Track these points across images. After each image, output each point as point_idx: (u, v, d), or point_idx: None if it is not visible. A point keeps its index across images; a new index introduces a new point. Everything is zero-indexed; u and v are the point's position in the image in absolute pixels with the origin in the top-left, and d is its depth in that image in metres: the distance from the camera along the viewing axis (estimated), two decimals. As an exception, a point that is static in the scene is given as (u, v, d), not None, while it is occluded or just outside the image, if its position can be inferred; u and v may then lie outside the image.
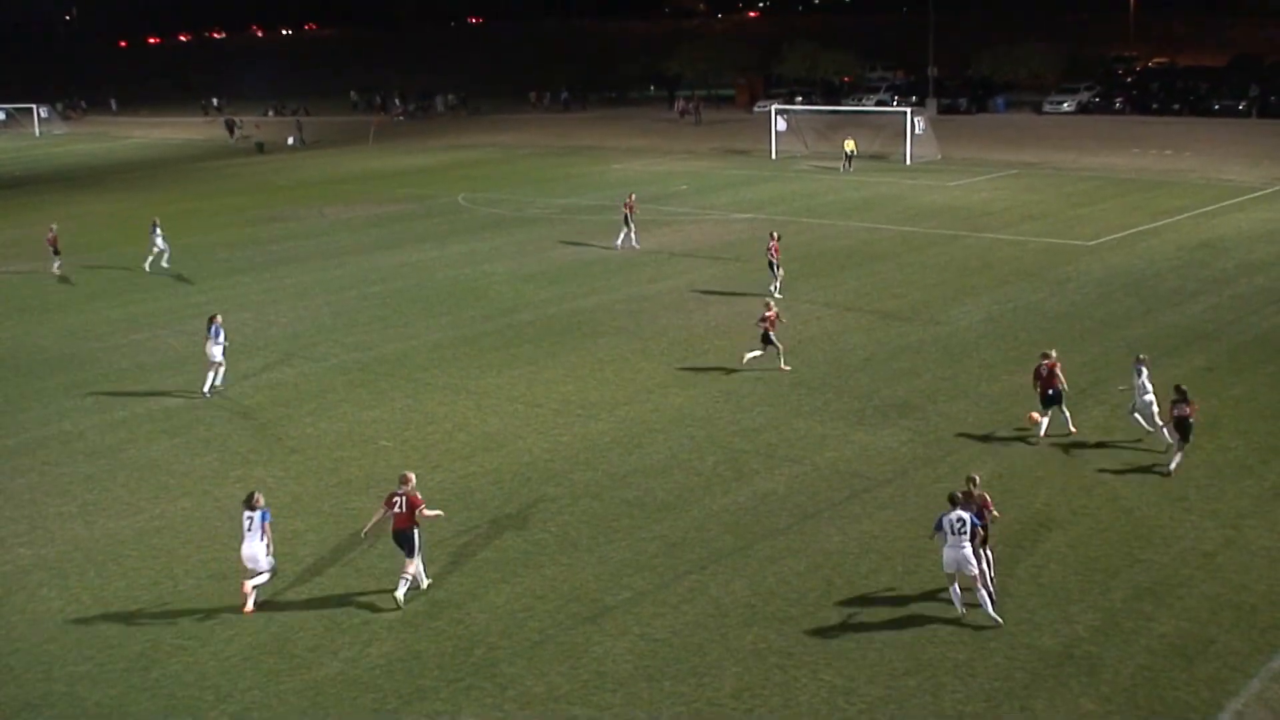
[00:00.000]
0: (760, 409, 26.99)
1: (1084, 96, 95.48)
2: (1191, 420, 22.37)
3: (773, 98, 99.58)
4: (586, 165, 74.34)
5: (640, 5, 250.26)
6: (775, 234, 37.80)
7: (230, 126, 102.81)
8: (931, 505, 21.18)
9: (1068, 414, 24.67)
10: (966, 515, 17.30)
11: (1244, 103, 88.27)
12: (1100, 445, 24.09)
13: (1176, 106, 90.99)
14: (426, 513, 18.78)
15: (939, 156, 69.23)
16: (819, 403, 27.26)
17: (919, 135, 69.25)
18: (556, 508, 22.08)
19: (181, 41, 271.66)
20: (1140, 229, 45.96)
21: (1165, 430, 23.09)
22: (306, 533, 21.45)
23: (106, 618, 18.63)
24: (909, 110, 73.08)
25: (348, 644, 17.62)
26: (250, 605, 18.58)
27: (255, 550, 18.42)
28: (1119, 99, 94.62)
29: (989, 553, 18.02)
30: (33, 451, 26.27)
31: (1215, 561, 19.06)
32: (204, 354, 29.76)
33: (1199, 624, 17.26)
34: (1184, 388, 22.60)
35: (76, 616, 18.78)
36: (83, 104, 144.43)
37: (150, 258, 45.90)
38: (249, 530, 18.42)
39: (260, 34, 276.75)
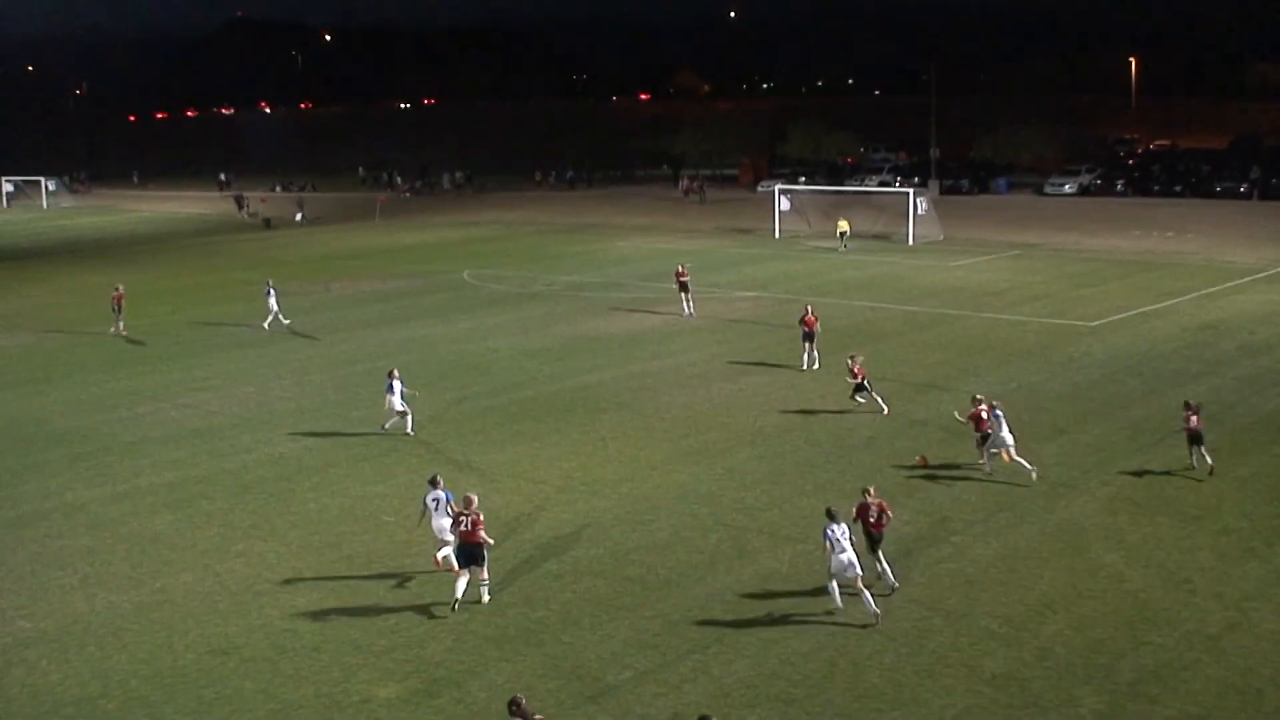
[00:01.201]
0: (763, 487, 26.95)
1: (1085, 178, 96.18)
2: (1200, 429, 26.45)
3: (776, 177, 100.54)
4: (591, 243, 74.79)
5: (646, 86, 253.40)
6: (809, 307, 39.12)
7: (240, 202, 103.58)
8: (938, 588, 21.20)
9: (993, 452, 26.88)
10: (846, 526, 20.13)
11: (1245, 185, 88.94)
12: (1104, 527, 24.01)
13: (1178, 188, 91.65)
14: (482, 534, 21.13)
15: (941, 237, 69.64)
16: (822, 481, 27.22)
17: (921, 215, 69.70)
18: (559, 585, 21.99)
19: (189, 117, 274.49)
20: (1142, 310, 46.14)
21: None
22: (306, 609, 21.32)
23: (106, 693, 18.51)
24: (911, 191, 73.67)
25: (347, 722, 17.50)
26: (441, 560, 21.82)
27: (443, 523, 21.75)
28: (1120, 181, 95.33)
29: (881, 552, 21.11)
30: (34, 523, 26.21)
31: (1220, 645, 18.94)
32: (385, 406, 31.74)
33: (1205, 708, 17.12)
34: (1191, 402, 26.98)
35: (76, 691, 18.66)
36: (84, 177, 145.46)
37: (269, 318, 47.69)
38: (435, 509, 21.89)
39: (268, 110, 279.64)
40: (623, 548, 23.67)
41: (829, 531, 19.92)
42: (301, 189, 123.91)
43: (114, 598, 22.12)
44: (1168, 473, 26.99)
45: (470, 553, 21.09)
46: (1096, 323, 44.01)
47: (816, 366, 37.77)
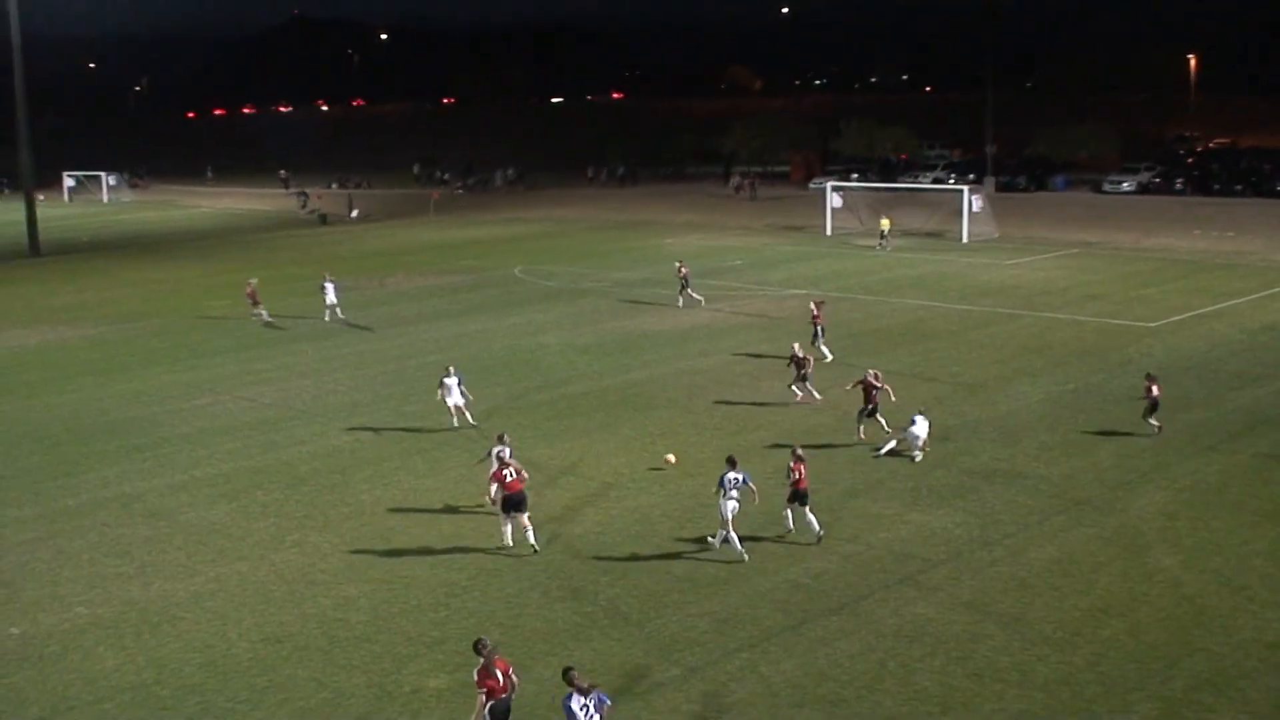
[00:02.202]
0: (814, 485, 26.75)
1: (1144, 176, 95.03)
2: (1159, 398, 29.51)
3: (828, 174, 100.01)
4: (641, 240, 74.81)
5: (697, 83, 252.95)
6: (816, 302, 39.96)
7: (303, 199, 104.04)
8: (990, 591, 21.09)
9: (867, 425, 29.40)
10: (741, 475, 22.76)
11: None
12: (1162, 531, 23.78)
13: (1238, 187, 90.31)
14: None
15: (996, 235, 69.10)
16: (874, 481, 27.12)
17: (976, 213, 69.11)
18: (607, 580, 22.05)
19: (246, 114, 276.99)
20: (1202, 311, 45.59)
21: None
22: (359, 599, 21.54)
23: (160, 679, 18.77)
24: (966, 188, 73.09)
25: (398, 713, 17.65)
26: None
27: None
28: (1180, 180, 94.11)
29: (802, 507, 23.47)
30: (93, 512, 26.61)
31: (1278, 653, 18.70)
32: (439, 398, 32.07)
33: (1260, 718, 16.92)
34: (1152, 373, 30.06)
35: (131, 677, 18.95)
36: (144, 173, 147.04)
37: (328, 312, 48.52)
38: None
39: (324, 107, 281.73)
40: (671, 545, 23.68)
41: (725, 479, 22.71)
42: (357, 185, 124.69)
43: (170, 586, 22.42)
44: (1227, 476, 26.71)
45: (517, 501, 22.89)
46: (1155, 323, 43.53)
47: (829, 359, 38.03)
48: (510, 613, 20.78)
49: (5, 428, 34.23)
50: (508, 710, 16.00)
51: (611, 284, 56.34)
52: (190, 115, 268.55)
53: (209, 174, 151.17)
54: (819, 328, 39.04)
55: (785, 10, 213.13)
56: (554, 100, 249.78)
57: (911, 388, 34.31)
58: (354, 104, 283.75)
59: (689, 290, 49.47)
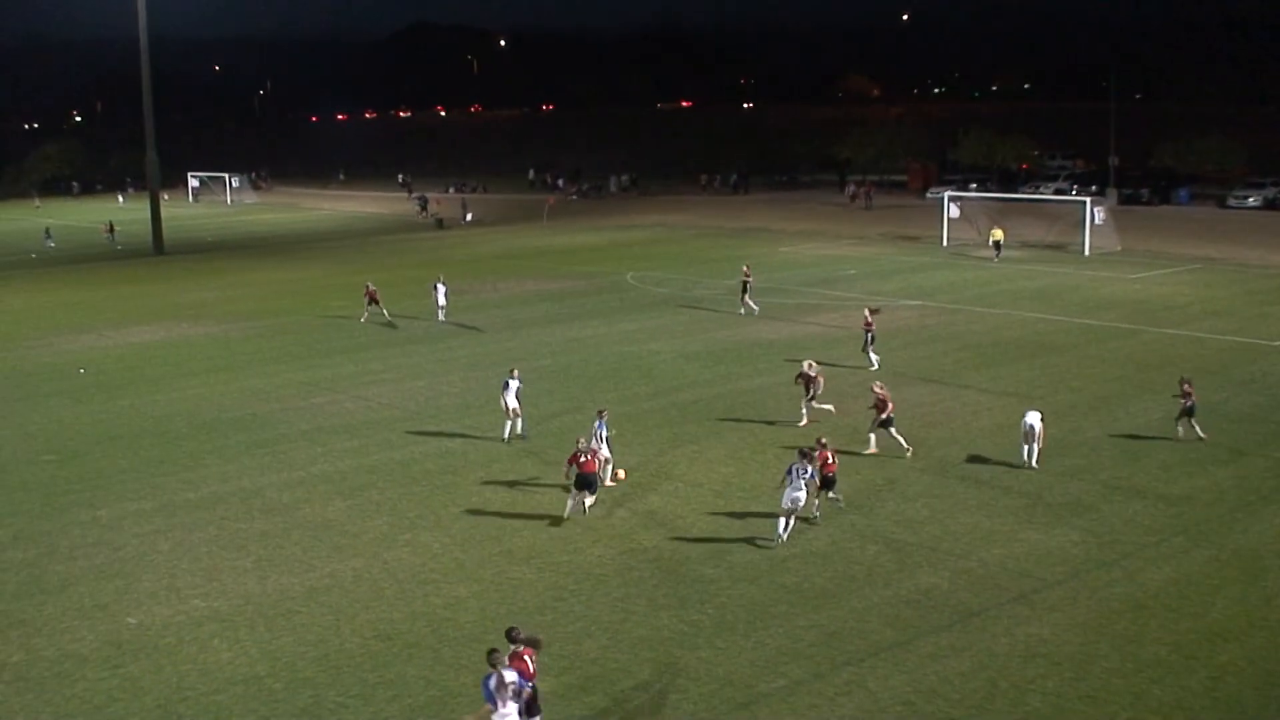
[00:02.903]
0: (924, 500, 26.59)
1: (1271, 192, 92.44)
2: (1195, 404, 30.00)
3: (946, 184, 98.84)
4: (754, 247, 74.62)
5: (814, 90, 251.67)
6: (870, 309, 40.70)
7: (423, 203, 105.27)
8: (1106, 612, 20.68)
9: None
10: (810, 467, 23.88)
11: None
12: (1283, 554, 23.13)
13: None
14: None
15: (1118, 248, 67.74)
16: (987, 497, 26.73)
17: (1098, 225, 67.88)
18: (714, 589, 22.02)
19: (367, 118, 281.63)
20: (1330, 330, 44.21)
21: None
22: (468, 599, 21.78)
23: (274, 673, 19.15)
24: (1088, 200, 71.80)
25: (504, 714, 17.77)
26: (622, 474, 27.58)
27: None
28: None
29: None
30: (213, 506, 27.25)
31: (1406, 684, 18.09)
32: (501, 404, 32.07)
33: (1388, 749, 16.38)
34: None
35: (245, 670, 19.35)
36: (266, 175, 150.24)
37: (440, 312, 50.00)
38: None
39: (443, 113, 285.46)
40: (778, 555, 23.58)
41: (792, 469, 23.91)
42: (473, 190, 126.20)
43: (285, 580, 22.88)
44: (1353, 501, 25.89)
45: (588, 481, 25.51)
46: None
47: (875, 368, 38.60)
48: (615, 618, 20.85)
49: (128, 422, 35.20)
50: (533, 699, 16.20)
51: (724, 291, 56.27)
52: (313, 119, 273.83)
53: (340, 176, 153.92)
54: (870, 334, 39.70)
55: (905, 17, 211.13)
56: (669, 106, 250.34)
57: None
58: (471, 109, 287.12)
59: (747, 297, 49.88)
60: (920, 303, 52.10)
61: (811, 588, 21.98)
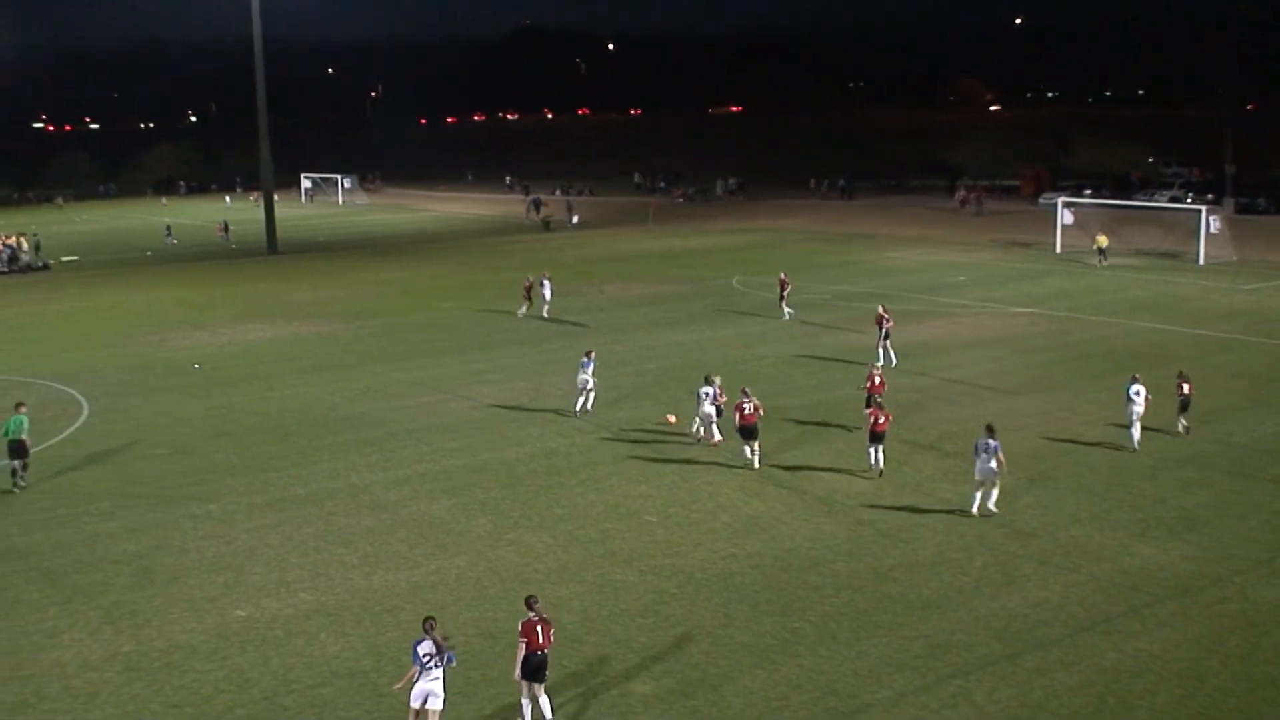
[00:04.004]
0: (1034, 512, 26.13)
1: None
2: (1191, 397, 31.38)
3: (1059, 190, 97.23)
4: (861, 253, 74.05)
5: (924, 94, 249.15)
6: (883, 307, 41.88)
7: (537, 205, 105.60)
8: (1218, 629, 20.18)
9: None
10: (994, 442, 25.50)
11: None
12: None
13: None
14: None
15: (1235, 258, 65.99)
16: (1099, 510, 26.18)
17: (1214, 234, 66.23)
18: (817, 597, 21.84)
19: (476, 121, 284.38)
20: None
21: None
22: (570, 600, 21.83)
23: (378, 667, 19.36)
24: (1204, 208, 70.10)
25: (604, 715, 17.80)
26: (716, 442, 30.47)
27: (708, 410, 29.22)
28: None
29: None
30: (321, 502, 27.68)
31: None
32: (576, 382, 34.87)
33: None
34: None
35: (350, 664, 19.61)
36: (376, 177, 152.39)
37: (546, 307, 51.61)
38: (705, 400, 29.24)
39: (550, 116, 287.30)
40: (884, 564, 23.34)
41: (979, 444, 25.77)
42: (579, 193, 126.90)
43: (391, 577, 23.15)
44: None
45: (751, 431, 29.03)
46: None
47: (893, 364, 39.26)
48: (717, 623, 20.78)
49: (240, 418, 35.90)
50: (541, 665, 17.25)
51: (831, 297, 55.90)
52: (422, 121, 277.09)
53: (469, 177, 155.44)
54: (884, 330, 40.67)
55: (1018, 20, 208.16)
56: (777, 109, 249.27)
57: (1147, 415, 33.04)
58: (579, 112, 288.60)
59: (783, 303, 50.35)
60: (1032, 310, 51.25)
61: (918, 598, 21.70)
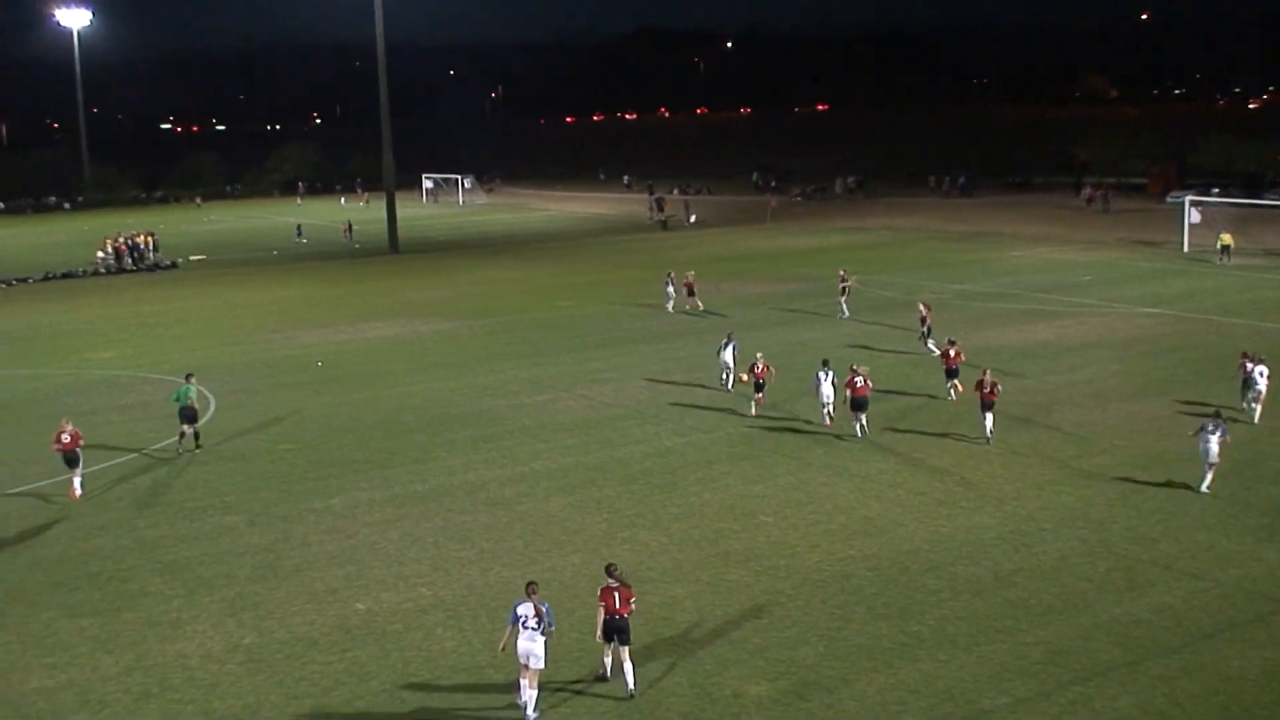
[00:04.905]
0: (1159, 516, 25.54)
1: None
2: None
3: (1187, 188, 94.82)
4: (983, 251, 72.97)
5: (1049, 91, 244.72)
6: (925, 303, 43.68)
7: (660, 204, 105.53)
8: (1352, 637, 19.48)
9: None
10: (1220, 424, 26.40)
11: None
12: None
13: None
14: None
15: (1374, 257, 63.78)
16: (1226, 515, 25.49)
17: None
18: (935, 600, 21.59)
19: (595, 121, 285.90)
20: None
21: None
22: (684, 599, 21.87)
23: (495, 664, 19.53)
24: (1339, 207, 67.87)
25: (718, 716, 17.80)
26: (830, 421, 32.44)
27: (827, 390, 32.37)
28: None
29: None
30: (439, 498, 28.07)
31: None
32: (719, 360, 37.89)
33: None
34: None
35: (467, 659, 19.85)
36: (496, 177, 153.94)
37: (670, 302, 53.47)
38: (824, 381, 32.33)
39: (667, 114, 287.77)
40: (1004, 568, 22.98)
41: (1207, 424, 26.93)
42: (697, 192, 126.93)
43: (508, 573, 23.38)
44: None
45: (860, 403, 31.41)
46: None
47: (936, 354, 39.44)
48: (833, 625, 20.64)
49: (362, 414, 36.55)
50: (619, 628, 18.41)
51: (952, 296, 55.17)
52: (540, 121, 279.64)
53: (600, 175, 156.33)
54: (927, 326, 42.45)
55: (1145, 15, 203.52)
56: (896, 107, 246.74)
57: (1277, 419, 32.13)
58: (697, 112, 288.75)
59: (843, 300, 51.22)
60: (1159, 310, 50.07)
61: (1039, 603, 21.33)
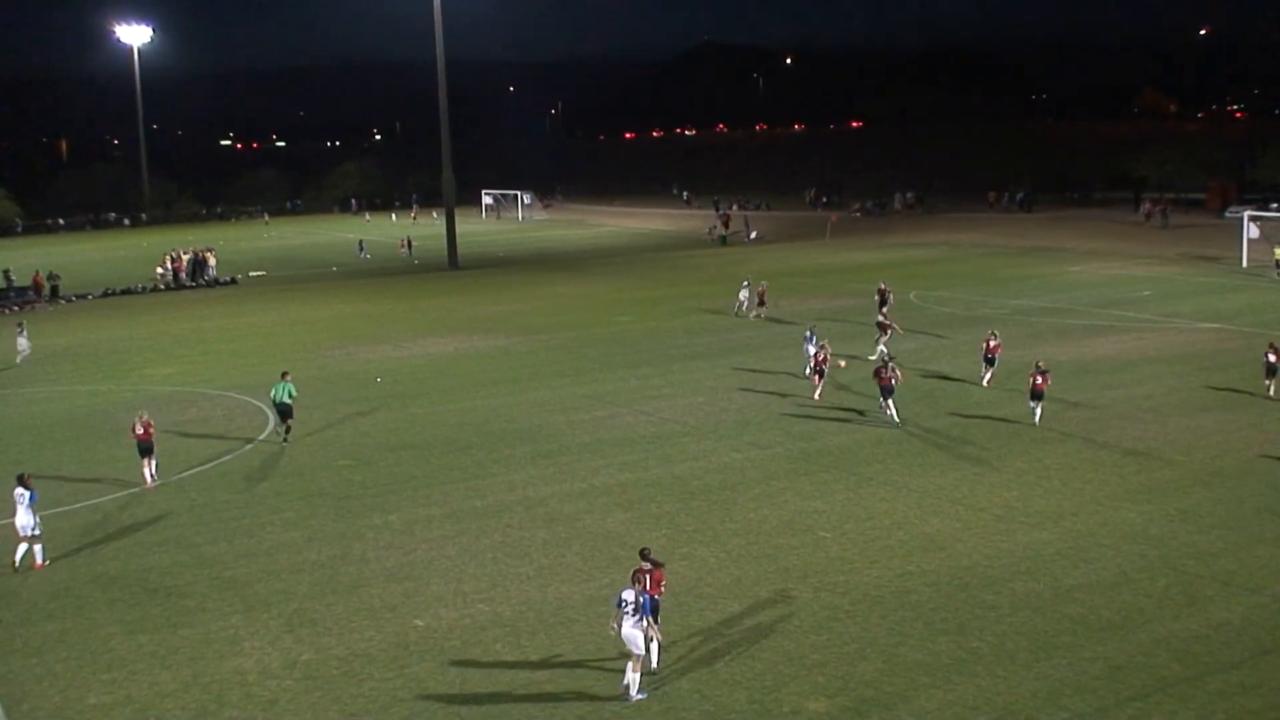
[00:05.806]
0: (1218, 532, 25.36)
1: None
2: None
3: (1246, 203, 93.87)
4: (1041, 266, 72.55)
5: (1107, 105, 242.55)
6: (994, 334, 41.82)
7: (725, 220, 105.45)
8: None
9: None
10: None
11: None
12: None
13: None
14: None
15: None
16: (1289, 531, 25.28)
17: None
18: (994, 616, 21.57)
19: (653, 137, 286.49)
20: None
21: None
22: (743, 615, 21.95)
23: (553, 679, 19.71)
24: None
25: (776, 730, 17.89)
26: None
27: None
28: None
29: None
30: (498, 514, 28.31)
31: None
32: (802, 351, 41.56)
33: None
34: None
35: (526, 675, 19.97)
36: (555, 192, 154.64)
37: (742, 307, 56.35)
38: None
39: (724, 130, 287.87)
40: (1063, 584, 22.91)
41: None
42: (756, 208, 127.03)
43: (566, 589, 23.55)
44: None
45: (888, 390, 34.56)
46: None
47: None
48: (891, 641, 20.67)
49: (420, 430, 36.90)
50: (649, 608, 19.05)
51: (1010, 311, 54.93)
52: (600, 137, 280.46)
53: (674, 190, 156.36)
54: (994, 358, 40.44)
55: (1203, 31, 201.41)
56: (955, 122, 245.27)
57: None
58: (756, 128, 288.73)
59: (885, 310, 50.65)
60: (1217, 325, 49.62)
61: (1098, 619, 21.26)
